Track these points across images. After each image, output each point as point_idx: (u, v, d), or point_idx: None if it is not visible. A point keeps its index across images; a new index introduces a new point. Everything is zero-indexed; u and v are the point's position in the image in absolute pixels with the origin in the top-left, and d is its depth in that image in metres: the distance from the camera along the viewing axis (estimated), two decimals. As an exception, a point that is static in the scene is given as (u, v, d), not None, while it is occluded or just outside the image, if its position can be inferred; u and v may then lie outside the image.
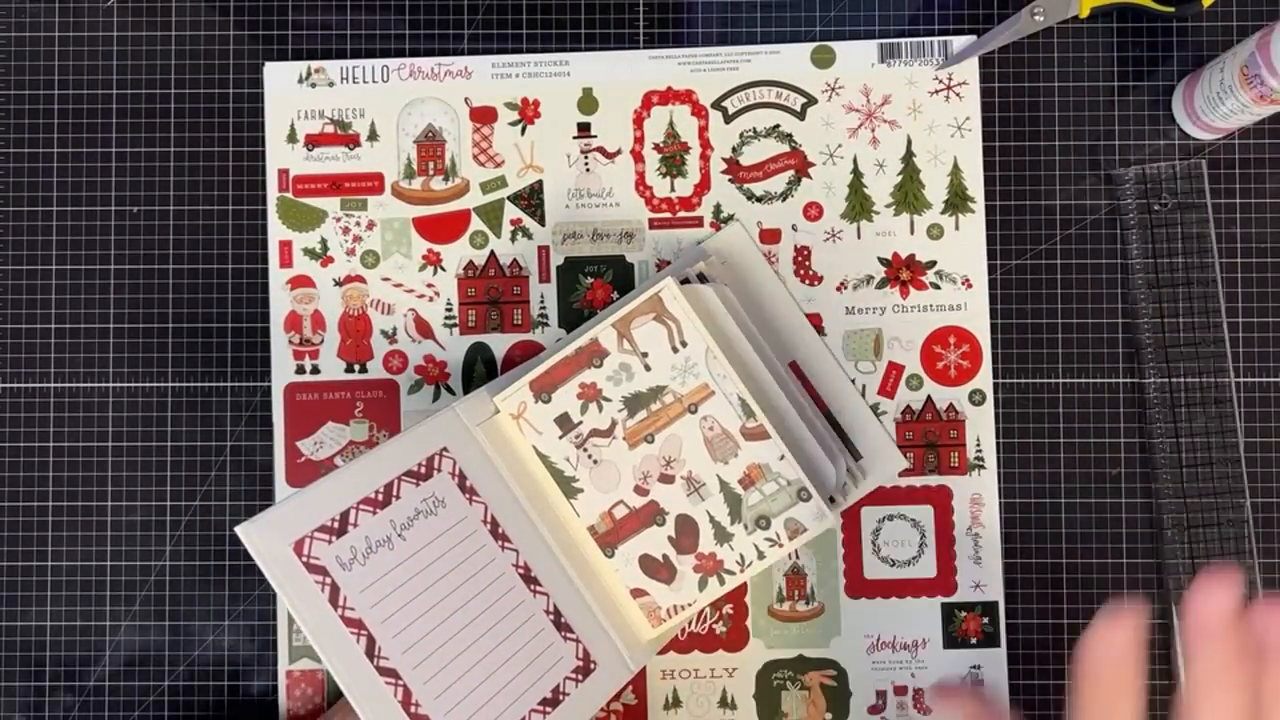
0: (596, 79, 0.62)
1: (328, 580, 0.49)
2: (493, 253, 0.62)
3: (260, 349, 0.61)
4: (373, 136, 0.62)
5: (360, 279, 0.61)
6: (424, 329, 0.61)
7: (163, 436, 0.61)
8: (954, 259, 0.61)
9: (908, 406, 0.61)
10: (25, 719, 0.60)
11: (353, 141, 0.62)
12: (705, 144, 0.62)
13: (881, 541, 0.61)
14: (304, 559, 0.49)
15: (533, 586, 0.55)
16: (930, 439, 0.61)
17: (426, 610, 0.51)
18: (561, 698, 0.54)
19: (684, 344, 0.56)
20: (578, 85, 0.62)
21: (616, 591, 0.57)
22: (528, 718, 0.53)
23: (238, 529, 0.48)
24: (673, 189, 0.62)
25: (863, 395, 0.61)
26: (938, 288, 0.61)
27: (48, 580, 0.61)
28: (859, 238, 0.61)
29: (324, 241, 0.61)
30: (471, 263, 0.62)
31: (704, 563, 0.57)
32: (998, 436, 0.61)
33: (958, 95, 0.61)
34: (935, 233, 0.61)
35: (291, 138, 0.62)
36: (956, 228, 0.61)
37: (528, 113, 0.62)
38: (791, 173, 0.61)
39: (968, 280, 0.61)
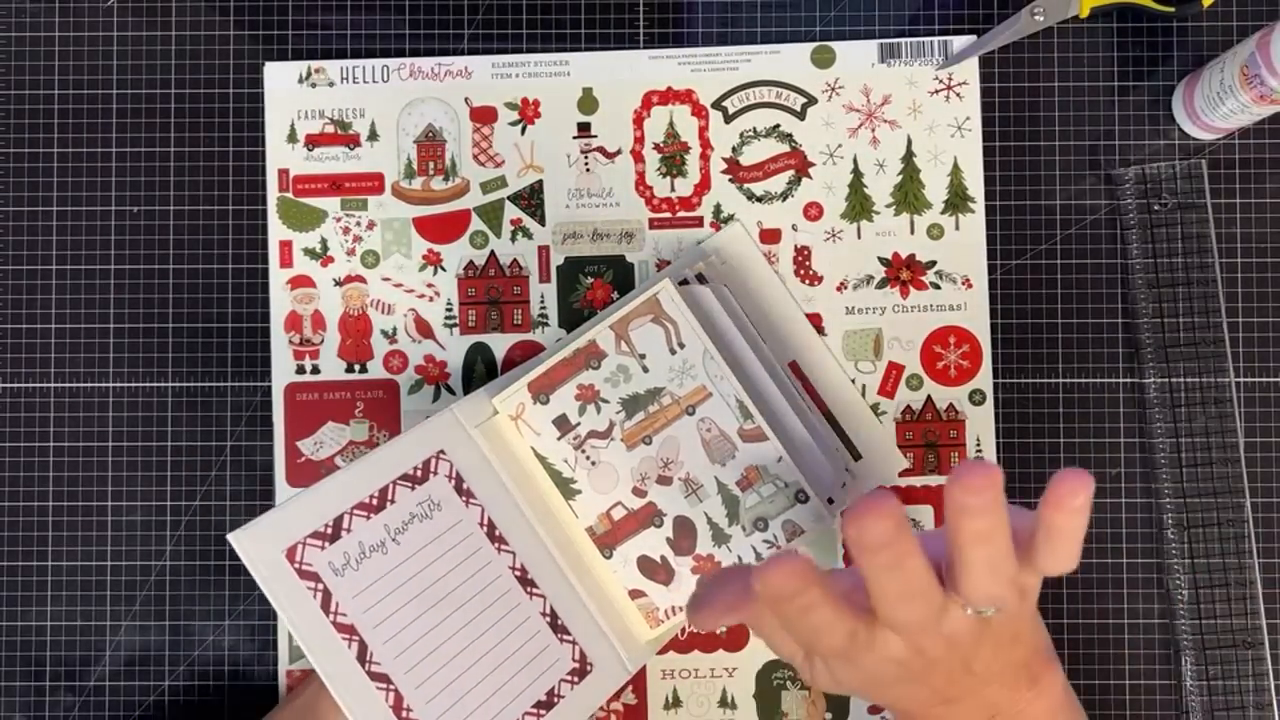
0: (596, 79, 0.62)
1: (319, 586, 0.49)
2: (493, 253, 0.62)
3: (260, 349, 0.61)
4: (373, 136, 0.62)
5: (360, 279, 0.61)
6: (424, 329, 0.61)
7: (163, 436, 0.61)
8: (954, 259, 0.61)
9: (908, 406, 0.61)
10: (25, 719, 0.60)
11: (353, 141, 0.62)
12: (705, 144, 0.62)
13: (881, 541, 0.60)
14: (296, 565, 0.49)
15: (529, 589, 0.55)
16: (930, 439, 0.61)
17: (420, 614, 0.51)
18: (556, 700, 0.54)
19: (681, 345, 0.56)
20: (578, 85, 0.62)
21: (614, 592, 0.57)
22: None
23: (229, 536, 0.48)
24: (673, 189, 0.62)
25: (863, 395, 0.61)
26: (938, 288, 0.61)
27: (48, 580, 0.61)
28: (859, 238, 0.61)
29: (324, 241, 0.61)
30: (472, 263, 0.62)
31: (702, 564, 0.57)
32: (998, 436, 0.61)
33: (958, 95, 0.61)
34: (935, 233, 0.61)
35: (292, 138, 0.62)
36: (956, 228, 0.61)
37: (528, 113, 0.62)
38: (792, 173, 0.61)
39: (968, 280, 0.61)
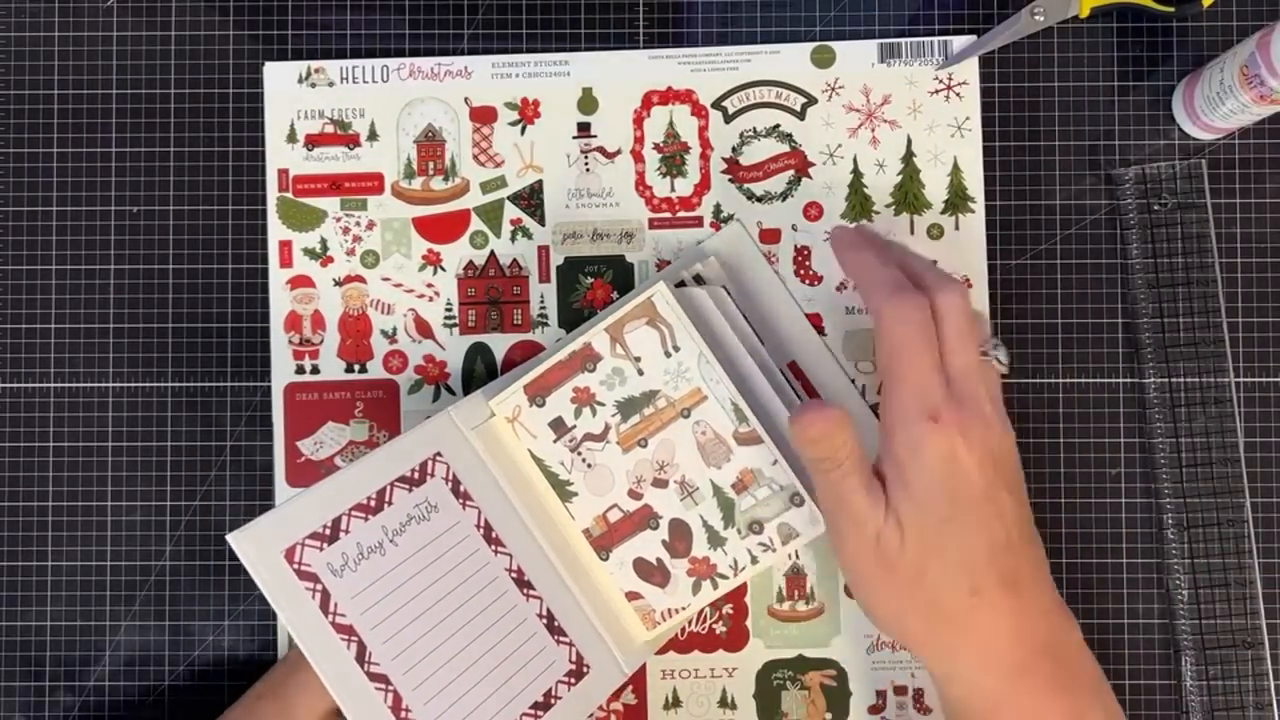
0: (596, 79, 0.62)
1: (318, 587, 0.50)
2: (493, 253, 0.62)
3: (260, 349, 0.61)
4: (372, 136, 0.62)
5: (360, 279, 0.61)
6: (424, 329, 0.61)
7: (163, 436, 0.61)
8: (954, 259, 0.61)
9: (908, 406, 0.61)
10: (25, 719, 0.60)
11: (352, 141, 0.62)
12: (705, 144, 0.62)
13: (881, 541, 0.60)
14: (295, 566, 0.49)
15: (526, 591, 0.55)
16: (930, 439, 0.61)
17: (418, 615, 0.51)
18: (553, 701, 0.54)
19: (676, 349, 0.56)
20: (578, 85, 0.62)
21: (611, 594, 0.57)
22: None
23: (229, 537, 0.48)
24: (673, 189, 0.62)
25: (862, 395, 0.61)
26: None
27: (48, 580, 0.61)
28: (859, 238, 0.61)
29: (324, 241, 0.61)
30: (471, 263, 0.62)
31: (697, 567, 0.57)
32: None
33: (958, 95, 0.61)
34: (935, 233, 0.61)
35: (291, 137, 0.62)
36: (956, 228, 0.61)
37: (528, 113, 0.62)
38: (791, 173, 0.61)
39: (968, 280, 0.61)
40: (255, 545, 0.49)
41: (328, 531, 0.50)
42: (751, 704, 0.60)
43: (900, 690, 0.60)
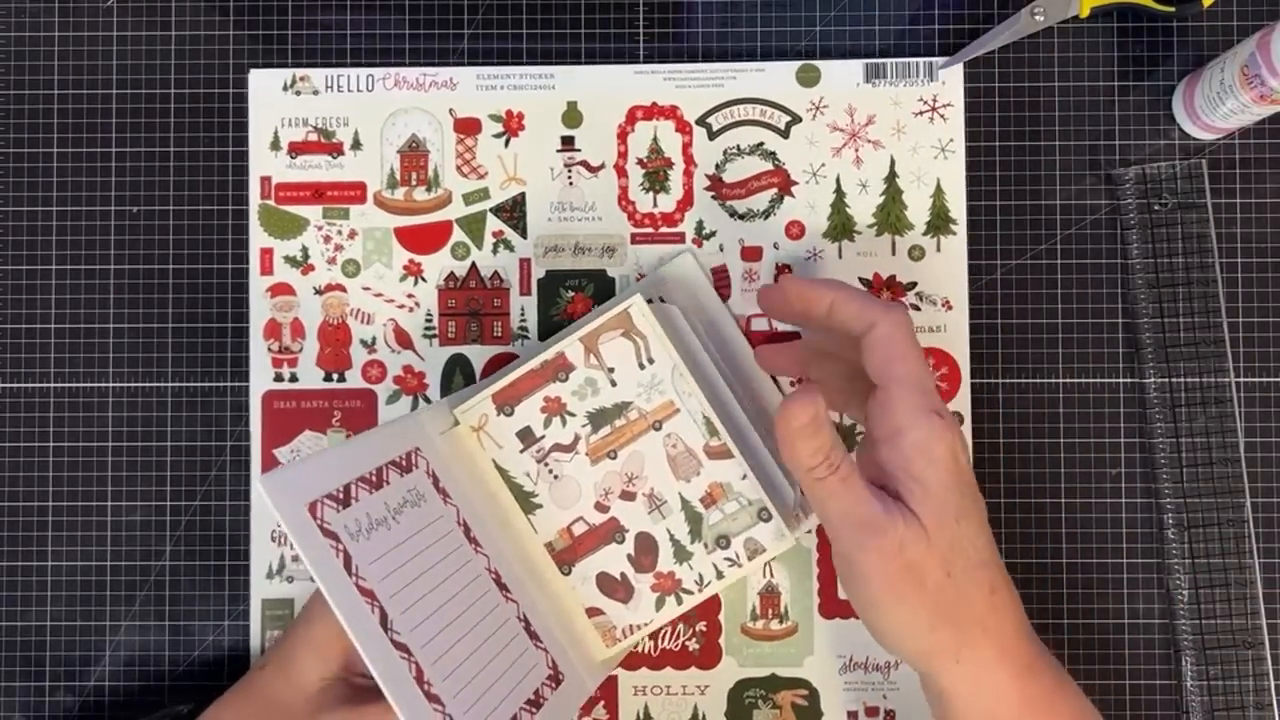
0: (581, 93, 0.61)
1: (340, 546, 0.48)
2: (474, 264, 0.61)
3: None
4: (356, 145, 0.61)
5: (341, 288, 0.61)
6: (403, 339, 0.61)
7: (163, 436, 0.61)
8: (934, 281, 0.61)
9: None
10: (25, 719, 0.61)
11: (336, 150, 0.61)
12: (689, 160, 0.61)
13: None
14: (319, 522, 0.47)
15: (505, 593, 0.54)
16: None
17: (424, 594, 0.50)
18: (542, 701, 0.53)
19: (651, 361, 0.56)
20: (562, 99, 0.61)
21: (572, 610, 0.57)
22: (519, 715, 0.52)
23: (259, 479, 0.46)
24: (655, 204, 0.61)
25: (840, 417, 0.60)
26: (918, 309, 0.61)
27: (48, 580, 0.61)
28: (840, 257, 0.61)
29: (305, 250, 0.61)
30: (452, 274, 0.61)
31: (662, 582, 0.56)
32: (978, 452, 0.61)
33: (942, 117, 0.61)
34: (916, 254, 0.61)
35: (275, 145, 0.61)
36: (938, 249, 0.61)
37: (512, 125, 0.61)
38: (774, 191, 0.61)
39: (948, 302, 0.61)
40: (283, 492, 0.46)
41: (341, 495, 0.49)
42: None
43: (872, 711, 0.60)
